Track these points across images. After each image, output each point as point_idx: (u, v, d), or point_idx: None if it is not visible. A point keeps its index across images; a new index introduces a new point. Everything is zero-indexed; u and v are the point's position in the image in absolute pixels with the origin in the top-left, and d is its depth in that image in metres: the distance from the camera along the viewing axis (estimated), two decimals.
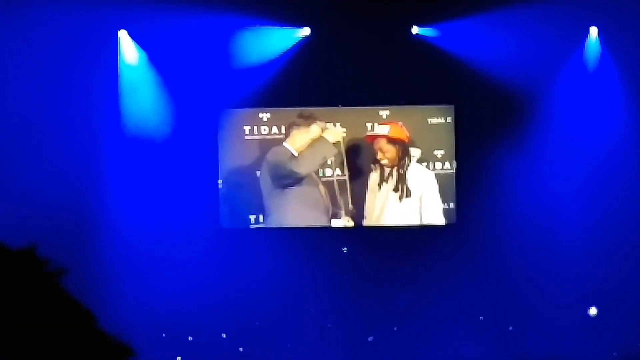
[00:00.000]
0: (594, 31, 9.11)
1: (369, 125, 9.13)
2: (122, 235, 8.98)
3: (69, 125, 8.92)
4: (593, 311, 9.01)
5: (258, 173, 9.04)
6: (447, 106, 9.18)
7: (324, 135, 8.79)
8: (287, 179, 8.76)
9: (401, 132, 8.87)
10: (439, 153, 9.10)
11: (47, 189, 8.72)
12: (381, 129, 8.89)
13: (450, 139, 9.15)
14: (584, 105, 9.16)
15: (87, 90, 8.93)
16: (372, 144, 8.94)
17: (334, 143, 8.77)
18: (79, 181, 8.91)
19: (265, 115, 9.18)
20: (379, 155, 8.85)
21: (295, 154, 8.76)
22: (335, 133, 8.85)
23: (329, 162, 8.96)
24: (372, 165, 9.02)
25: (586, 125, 9.15)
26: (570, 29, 9.01)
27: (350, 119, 9.15)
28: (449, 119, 9.15)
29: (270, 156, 8.82)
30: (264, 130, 9.19)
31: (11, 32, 8.71)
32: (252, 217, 9.10)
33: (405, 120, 9.03)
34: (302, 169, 8.71)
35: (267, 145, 9.02)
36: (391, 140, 8.82)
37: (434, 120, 9.12)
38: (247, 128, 9.18)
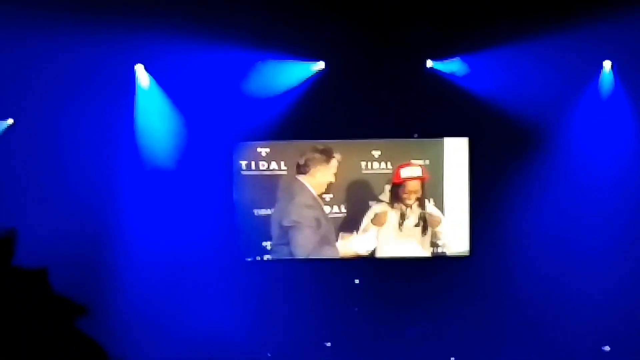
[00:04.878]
0: (607, 65, 9.12)
1: (362, 164, 9.16)
2: (135, 264, 9.06)
3: (88, 156, 9.04)
4: (607, 348, 8.97)
5: (256, 212, 9.06)
6: (461, 138, 9.21)
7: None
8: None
9: (425, 171, 9.03)
10: None
11: (65, 219, 8.82)
12: (414, 171, 9.01)
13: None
14: (599, 138, 9.15)
15: (105, 121, 9.05)
16: (398, 184, 8.99)
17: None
18: (97, 210, 9.01)
19: (264, 150, 9.14)
20: (408, 196, 8.94)
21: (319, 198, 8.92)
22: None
23: (327, 199, 9.02)
24: (395, 204, 9.04)
25: (601, 158, 9.14)
26: (583, 62, 9.02)
27: (347, 150, 9.16)
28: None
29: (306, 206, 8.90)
30: (263, 165, 9.15)
31: (34, 64, 8.85)
32: (259, 251, 9.14)
33: (393, 158, 9.11)
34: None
35: (268, 180, 9.05)
36: (420, 180, 8.98)
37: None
38: (243, 163, 9.14)
